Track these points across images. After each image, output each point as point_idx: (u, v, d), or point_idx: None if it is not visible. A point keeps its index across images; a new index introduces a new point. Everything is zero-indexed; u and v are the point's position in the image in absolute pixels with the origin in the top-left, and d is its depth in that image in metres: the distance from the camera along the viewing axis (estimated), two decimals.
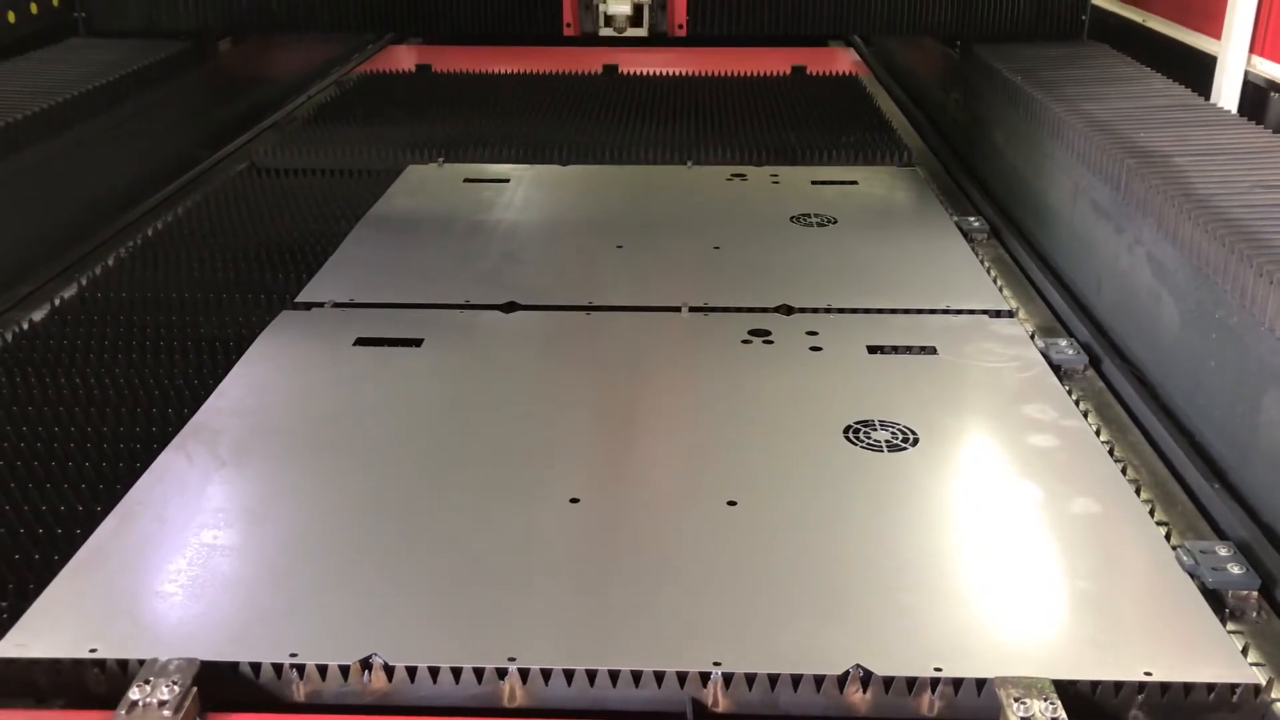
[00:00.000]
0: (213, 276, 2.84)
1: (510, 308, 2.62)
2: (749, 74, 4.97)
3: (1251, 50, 3.55)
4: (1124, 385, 2.31)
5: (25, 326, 2.56)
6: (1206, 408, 2.12)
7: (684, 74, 4.95)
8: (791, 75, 5.04)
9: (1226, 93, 3.60)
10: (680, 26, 4.19)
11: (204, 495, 1.89)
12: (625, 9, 4.18)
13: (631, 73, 5.01)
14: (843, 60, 5.45)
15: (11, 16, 3.72)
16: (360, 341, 2.45)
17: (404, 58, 5.54)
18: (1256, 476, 1.93)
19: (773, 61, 5.10)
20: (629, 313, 2.61)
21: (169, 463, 1.98)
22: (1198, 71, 3.66)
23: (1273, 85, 3.44)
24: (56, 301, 2.70)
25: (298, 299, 2.67)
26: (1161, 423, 2.15)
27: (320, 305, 2.64)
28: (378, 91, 4.80)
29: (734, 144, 3.87)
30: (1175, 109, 2.95)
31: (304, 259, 2.93)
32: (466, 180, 3.58)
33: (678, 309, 2.61)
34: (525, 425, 2.12)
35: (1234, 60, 3.58)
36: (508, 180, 3.56)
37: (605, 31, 4.25)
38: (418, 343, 2.44)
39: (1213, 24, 3.68)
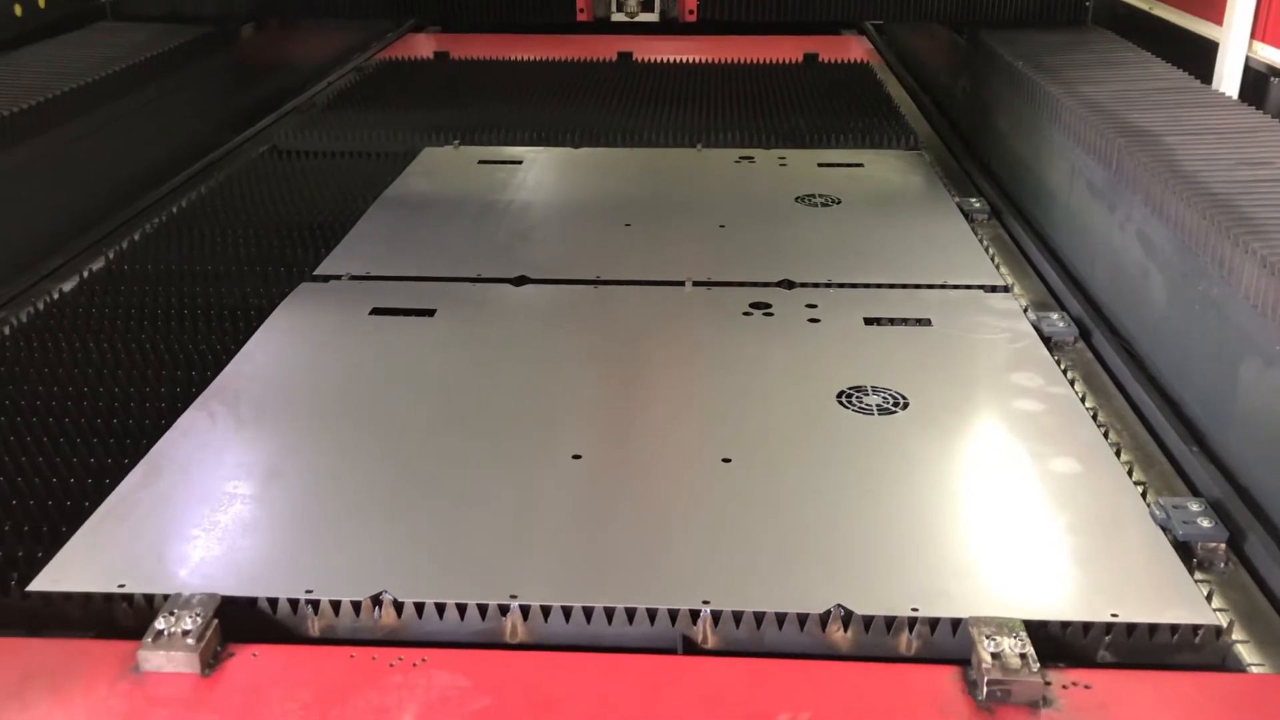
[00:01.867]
0: (234, 251, 2.94)
1: (520, 281, 2.72)
2: (761, 61, 5.04)
3: (1253, 36, 3.62)
4: (1112, 356, 2.39)
5: (56, 296, 2.67)
6: (1189, 376, 2.19)
7: (698, 61, 5.03)
8: (803, 63, 5.11)
9: (1228, 78, 3.65)
10: (691, 12, 4.27)
11: (225, 449, 1.99)
12: None
13: (646, 60, 5.10)
14: (855, 49, 5.51)
15: (42, 2, 3.83)
16: (376, 311, 2.55)
17: (423, 45, 5.63)
18: (1232, 439, 2.00)
19: (785, 50, 5.17)
20: (635, 287, 2.70)
21: (192, 420, 2.08)
22: (1201, 57, 3.72)
23: (1273, 70, 3.50)
24: (85, 274, 2.80)
25: (316, 272, 2.77)
26: (1146, 391, 2.23)
27: (338, 278, 2.74)
28: (397, 78, 4.90)
29: (744, 128, 3.95)
30: (1171, 92, 3.02)
31: (322, 235, 3.03)
32: (481, 162, 3.67)
33: (682, 284, 2.70)
34: (532, 389, 2.22)
35: (1235, 46, 3.63)
36: (521, 162, 3.65)
37: (618, 17, 4.33)
38: (430, 313, 2.54)
39: (1216, 10, 3.74)
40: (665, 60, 5.05)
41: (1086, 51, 3.53)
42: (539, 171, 3.57)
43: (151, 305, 2.61)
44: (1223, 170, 2.33)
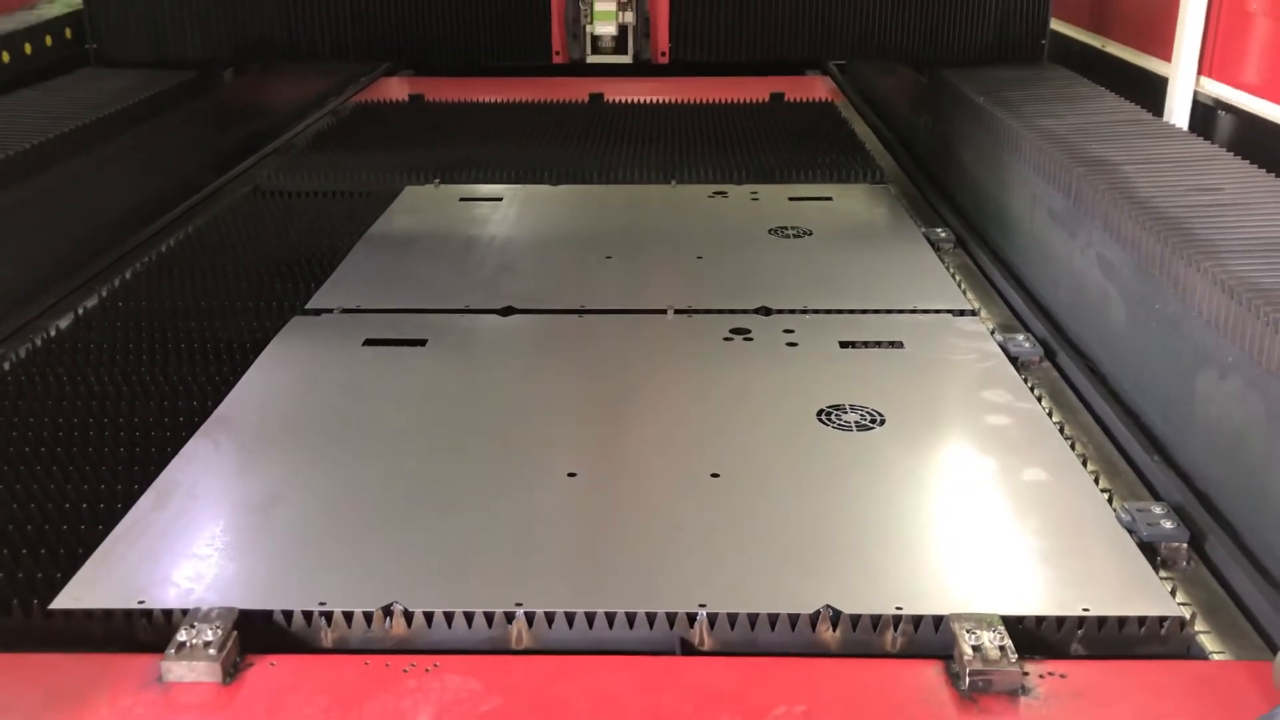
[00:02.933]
0: (225, 287, 3.01)
1: (507, 312, 2.81)
2: (729, 101, 5.19)
3: (1200, 72, 3.79)
4: (1076, 374, 2.51)
5: (53, 332, 2.73)
6: (1150, 391, 2.31)
7: (667, 101, 5.17)
8: (770, 102, 5.26)
9: (1178, 111, 3.83)
10: (663, 54, 4.39)
11: (232, 472, 2.07)
12: (611, 29, 4.34)
13: (617, 100, 5.23)
14: (819, 88, 5.67)
15: (28, 48, 3.91)
16: (369, 342, 2.63)
17: (396, 89, 5.74)
18: (1190, 447, 2.12)
19: (752, 90, 5.32)
20: (618, 315, 2.80)
21: (197, 448, 2.16)
22: (1152, 92, 3.89)
23: (1219, 104, 3.68)
24: (80, 310, 2.87)
25: (308, 306, 2.85)
26: (1109, 405, 2.35)
27: (329, 311, 2.82)
28: (373, 120, 5.00)
29: (715, 165, 4.08)
30: (1124, 124, 3.16)
31: (310, 272, 3.11)
32: (462, 199, 3.77)
33: (663, 311, 2.80)
34: (525, 413, 2.31)
35: (1183, 81, 3.81)
36: (501, 199, 3.76)
37: (593, 58, 4.44)
38: (422, 343, 2.63)
39: (1165, 48, 3.91)
40: (636, 101, 5.19)
41: (1044, 87, 3.68)
42: (519, 208, 3.67)
43: (148, 340, 2.67)
44: (1176, 196, 2.46)
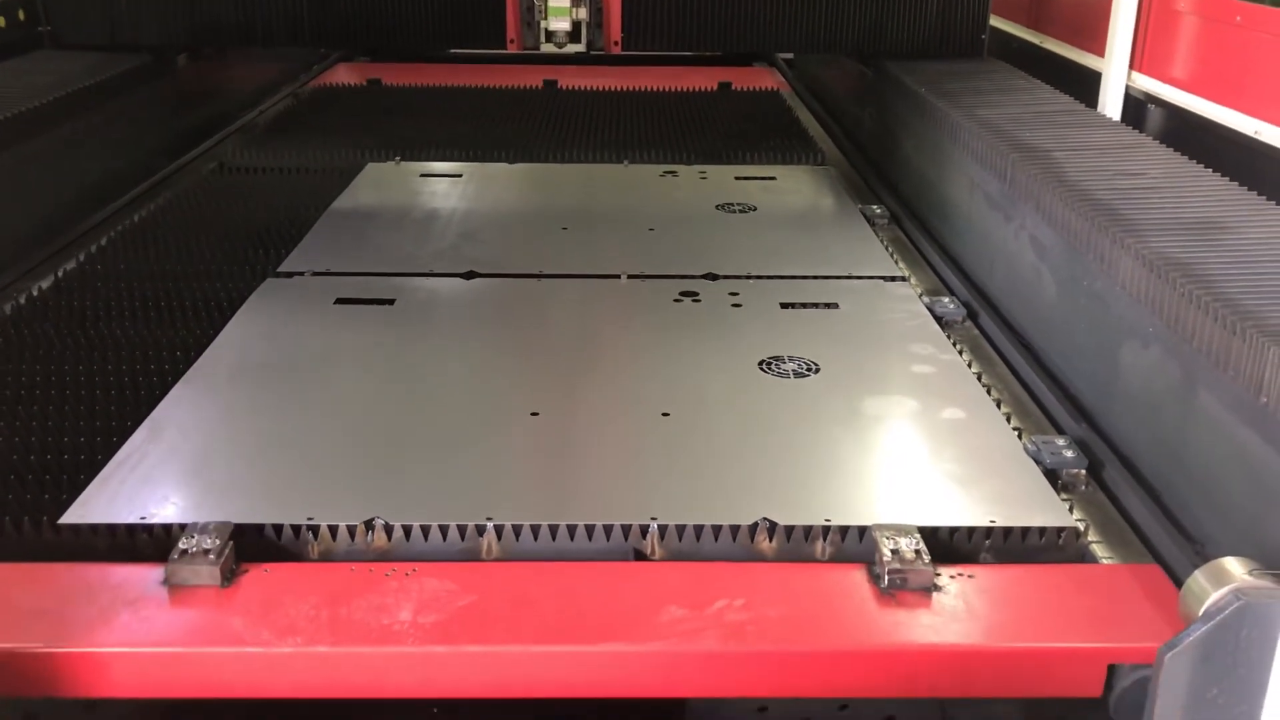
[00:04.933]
0: (198, 254, 3.15)
1: (470, 275, 2.99)
2: (679, 89, 5.39)
3: (1131, 67, 3.96)
4: (995, 332, 2.74)
5: (35, 293, 2.86)
6: (1079, 364, 2.44)
7: (619, 89, 5.35)
8: (718, 90, 5.47)
9: (1110, 104, 3.99)
10: (616, 43, 4.52)
11: (219, 408, 2.24)
12: (565, 25, 4.46)
13: (571, 87, 5.41)
14: (766, 78, 5.89)
15: None
16: (340, 301, 2.80)
17: (353, 74, 5.87)
18: (1114, 412, 2.27)
19: (701, 79, 5.53)
20: (575, 279, 2.99)
21: (183, 392, 2.31)
22: (1086, 86, 4.04)
23: (1149, 97, 3.87)
24: (59, 273, 3.01)
25: (279, 269, 3.01)
26: (1023, 357, 2.57)
27: (301, 274, 2.98)
28: (332, 102, 5.15)
29: (666, 148, 4.28)
30: (1057, 114, 3.30)
31: (279, 240, 3.26)
32: (423, 175, 3.94)
33: (617, 276, 3.00)
34: (489, 362, 2.50)
35: (1116, 76, 3.97)
36: (461, 175, 3.93)
37: (547, 47, 4.58)
38: (391, 302, 2.80)
39: (1098, 44, 4.09)
40: (589, 88, 5.37)
41: (983, 80, 3.81)
42: (478, 184, 3.85)
43: (129, 300, 2.80)
44: (1104, 180, 2.57)
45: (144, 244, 3.24)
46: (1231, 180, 2.58)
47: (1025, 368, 2.54)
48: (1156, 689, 1.52)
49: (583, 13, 4.46)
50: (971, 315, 2.85)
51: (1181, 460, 2.00)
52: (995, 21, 4.57)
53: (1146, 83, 3.89)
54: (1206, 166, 2.69)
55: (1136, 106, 3.91)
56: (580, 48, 4.55)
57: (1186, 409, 1.99)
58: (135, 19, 4.34)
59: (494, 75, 5.47)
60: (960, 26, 4.43)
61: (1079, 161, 2.74)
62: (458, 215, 3.50)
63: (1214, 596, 1.54)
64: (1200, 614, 1.53)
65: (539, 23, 4.50)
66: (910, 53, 4.40)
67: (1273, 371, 1.72)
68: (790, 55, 6.19)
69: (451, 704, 1.82)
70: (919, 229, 3.47)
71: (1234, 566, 1.58)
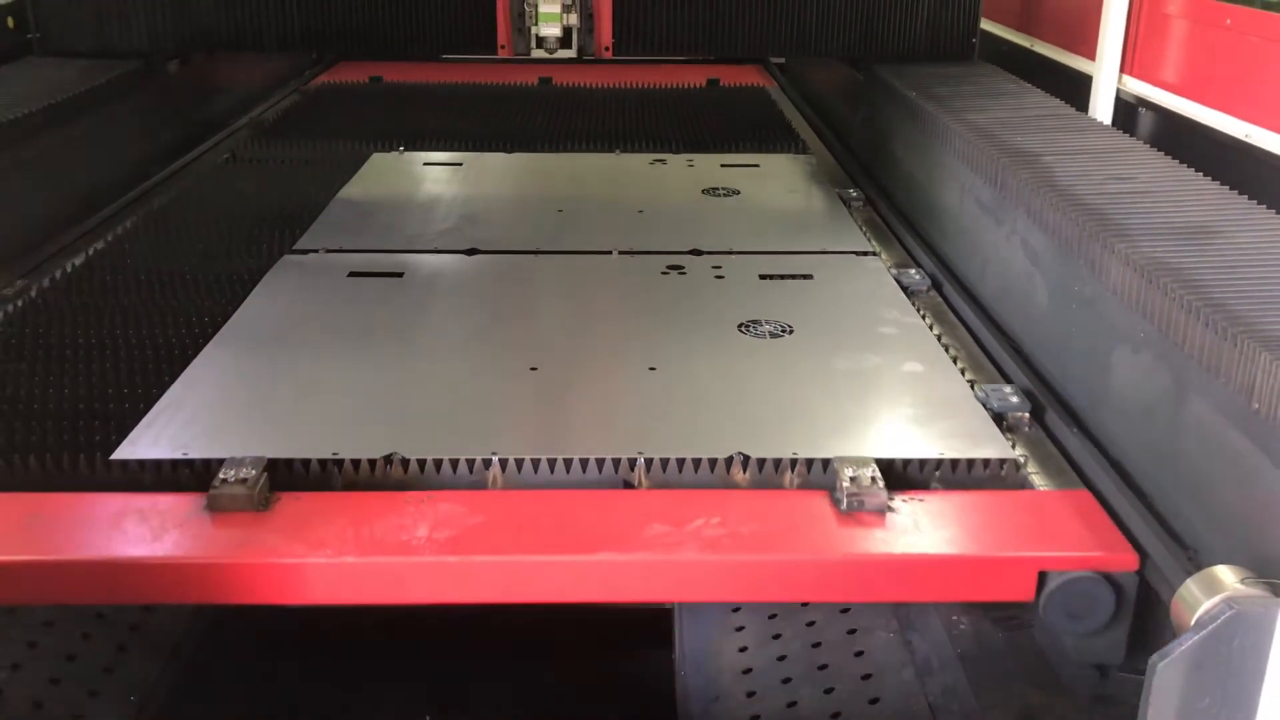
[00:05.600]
0: (217, 235, 3.38)
1: (472, 252, 3.23)
2: (669, 85, 5.62)
3: (1122, 70, 3.95)
4: (957, 300, 2.97)
5: (69, 269, 3.09)
6: (1070, 368, 2.45)
7: (612, 85, 5.58)
8: (706, 86, 5.71)
9: (1101, 108, 3.97)
10: (607, 48, 4.59)
11: (247, 363, 2.48)
12: (555, 31, 4.53)
13: (565, 83, 5.64)
14: (753, 75, 6.11)
15: None
16: (353, 274, 3.03)
17: (353, 73, 6.08)
18: (1106, 417, 2.28)
19: (690, 75, 5.76)
20: (570, 255, 3.23)
21: (214, 352, 2.55)
22: (1077, 89, 4.01)
23: (1140, 101, 3.87)
24: (90, 251, 3.24)
25: (295, 246, 3.24)
26: (982, 321, 2.81)
27: (315, 251, 3.21)
28: (335, 98, 5.38)
29: (656, 138, 4.52)
30: (1048, 118, 3.29)
31: (293, 223, 3.48)
32: (425, 164, 4.18)
33: (609, 252, 3.23)
34: (490, 326, 2.73)
35: (1106, 79, 3.95)
36: (461, 164, 4.17)
37: (537, 53, 4.58)
38: (399, 275, 3.04)
39: (1089, 48, 4.06)
40: (582, 84, 5.60)
41: (973, 83, 3.81)
42: (478, 171, 4.09)
43: (157, 275, 3.02)
44: (1094, 185, 2.58)
45: (166, 227, 3.46)
46: (1222, 184, 2.58)
47: (982, 329, 2.77)
48: (1148, 699, 1.50)
49: (573, 18, 4.52)
50: (935, 285, 3.09)
51: (1173, 466, 1.99)
52: (986, 25, 4.58)
53: (1137, 86, 3.87)
54: (1197, 170, 2.70)
55: (1127, 110, 3.90)
56: (571, 53, 4.59)
57: (1178, 414, 1.98)
58: (124, 26, 4.32)
59: (491, 72, 5.70)
60: (951, 30, 4.45)
61: (1069, 165, 2.75)
62: (459, 200, 3.74)
63: (1206, 605, 1.52)
64: (1192, 623, 1.52)
65: (530, 28, 4.55)
66: (901, 57, 4.43)
67: (1263, 377, 1.70)
68: (782, 60, 6.27)
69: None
70: (891, 209, 3.69)
71: (1226, 575, 1.57)
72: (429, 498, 2.02)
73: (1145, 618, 1.92)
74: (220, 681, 2.46)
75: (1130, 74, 3.89)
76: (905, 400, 2.35)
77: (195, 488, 2.05)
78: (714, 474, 2.10)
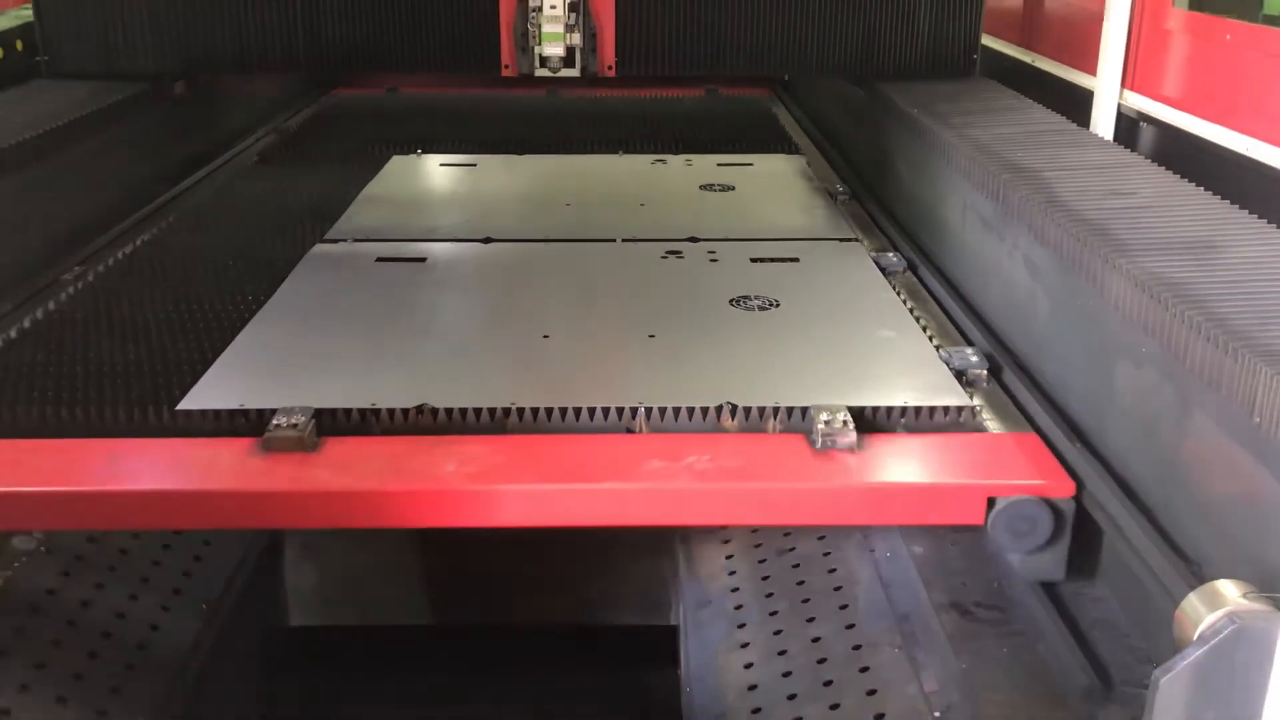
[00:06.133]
0: (252, 228, 3.68)
1: (488, 240, 3.53)
2: (670, 94, 5.93)
3: (1123, 85, 3.89)
4: (930, 280, 3.26)
5: (121, 256, 3.40)
6: (1072, 383, 2.46)
7: (615, 93, 5.88)
8: (706, 95, 6.02)
9: (1102, 123, 3.96)
10: (610, 68, 4.62)
11: (292, 332, 2.78)
12: (559, 50, 4.55)
13: (571, 93, 5.94)
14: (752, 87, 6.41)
15: None
16: (380, 259, 3.34)
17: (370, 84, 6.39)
18: (1109, 432, 2.29)
19: (690, 85, 6.07)
20: (578, 243, 3.53)
21: (258, 325, 2.84)
22: (1078, 105, 4.01)
23: (1142, 116, 3.80)
24: (138, 241, 3.54)
25: (325, 236, 3.54)
26: (951, 297, 3.09)
27: (344, 241, 3.52)
28: (355, 108, 5.69)
29: (657, 141, 4.83)
30: (1049, 133, 3.29)
31: (321, 218, 3.78)
32: (443, 165, 4.49)
33: (613, 240, 3.54)
34: (506, 302, 3.03)
35: (1107, 94, 3.95)
36: (475, 165, 4.48)
37: (541, 72, 4.64)
38: (423, 260, 3.34)
39: (1090, 63, 4.01)
40: (587, 93, 5.89)
41: (974, 100, 3.81)
42: (492, 172, 4.40)
43: (201, 261, 3.33)
44: (1095, 200, 2.58)
45: (204, 221, 3.77)
46: (1224, 199, 2.57)
47: (951, 304, 3.06)
48: (1151, 713, 1.50)
49: (577, 38, 4.56)
50: (911, 267, 3.38)
51: (1177, 480, 2.00)
52: (987, 40, 4.64)
53: (1138, 101, 3.83)
54: (1199, 185, 2.69)
55: (1128, 125, 3.87)
56: (574, 73, 4.64)
57: (1181, 429, 1.98)
58: (132, 48, 4.35)
59: (501, 82, 5.98)
60: (952, 46, 4.44)
61: (1070, 181, 2.74)
62: (474, 196, 4.05)
63: (1209, 620, 1.51)
64: (1195, 637, 1.51)
65: (533, 48, 4.57)
66: (902, 73, 4.49)
67: (1265, 391, 1.70)
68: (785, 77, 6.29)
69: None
70: (879, 209, 3.98)
71: (1229, 589, 1.55)
72: (456, 442, 2.31)
73: (1082, 541, 2.21)
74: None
75: (1131, 89, 3.86)
76: (876, 359, 2.64)
77: (250, 434, 2.34)
78: (705, 421, 2.38)
